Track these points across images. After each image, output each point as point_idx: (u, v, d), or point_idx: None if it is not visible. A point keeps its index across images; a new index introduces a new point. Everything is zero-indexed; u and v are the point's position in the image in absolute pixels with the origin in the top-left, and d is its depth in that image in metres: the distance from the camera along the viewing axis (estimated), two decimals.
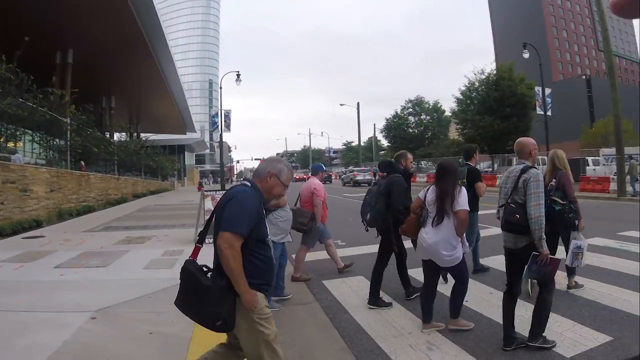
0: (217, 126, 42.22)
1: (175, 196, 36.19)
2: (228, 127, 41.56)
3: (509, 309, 4.76)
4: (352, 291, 7.10)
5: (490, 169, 47.27)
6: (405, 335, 5.17)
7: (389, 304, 6.25)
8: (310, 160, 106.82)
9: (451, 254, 5.05)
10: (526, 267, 4.44)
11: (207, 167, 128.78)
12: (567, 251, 6.20)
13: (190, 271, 3.06)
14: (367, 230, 6.58)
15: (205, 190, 12.16)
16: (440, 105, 67.91)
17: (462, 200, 5.03)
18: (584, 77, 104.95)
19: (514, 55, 58.81)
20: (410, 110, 68.57)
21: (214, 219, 3.31)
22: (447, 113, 60.78)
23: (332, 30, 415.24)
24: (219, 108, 40.87)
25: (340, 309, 6.23)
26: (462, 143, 50.66)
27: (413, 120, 68.69)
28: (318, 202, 7.58)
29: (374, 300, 6.23)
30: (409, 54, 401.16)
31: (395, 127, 67.36)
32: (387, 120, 69.35)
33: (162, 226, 14.86)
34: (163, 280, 7.00)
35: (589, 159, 36.78)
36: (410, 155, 7.14)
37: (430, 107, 68.14)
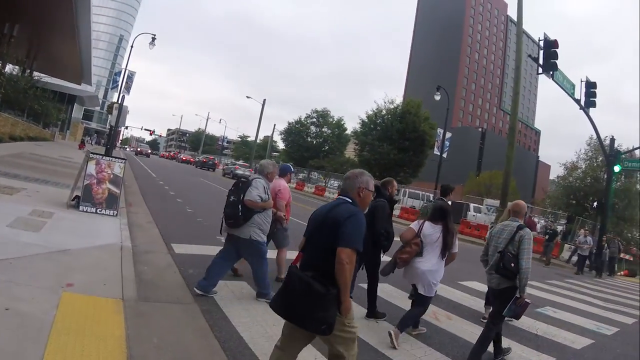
0: (117, 85, 39.39)
1: (55, 149, 33.61)
2: (128, 89, 38.65)
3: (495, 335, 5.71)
4: (234, 297, 6.41)
5: None
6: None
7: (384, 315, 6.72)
8: (202, 144, 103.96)
9: (437, 282, 6.03)
10: (508, 305, 5.36)
11: (94, 125, 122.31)
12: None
13: (302, 278, 3.26)
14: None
15: (91, 153, 10.64)
16: (344, 123, 68.35)
17: (456, 242, 6.14)
18: (480, 129, 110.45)
19: (422, 92, 60.49)
20: (314, 120, 68.30)
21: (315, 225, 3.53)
22: (348, 132, 61.14)
23: (258, 19, 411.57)
24: (123, 67, 37.86)
25: (221, 315, 5.53)
26: (356, 163, 51.20)
27: (314, 131, 68.42)
28: (281, 205, 7.39)
29: (373, 312, 6.70)
30: (326, 65, 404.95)
31: (295, 132, 66.92)
32: (289, 123, 69.07)
33: (35, 179, 13.14)
34: (27, 245, 6.18)
35: (472, 205, 37.97)
36: (395, 183, 7.36)
37: (334, 122, 68.08)
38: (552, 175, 70.51)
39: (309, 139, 67.48)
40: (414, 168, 47.90)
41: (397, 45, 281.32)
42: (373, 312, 6.75)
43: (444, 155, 37.53)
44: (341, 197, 3.62)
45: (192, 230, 10.93)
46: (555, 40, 20.88)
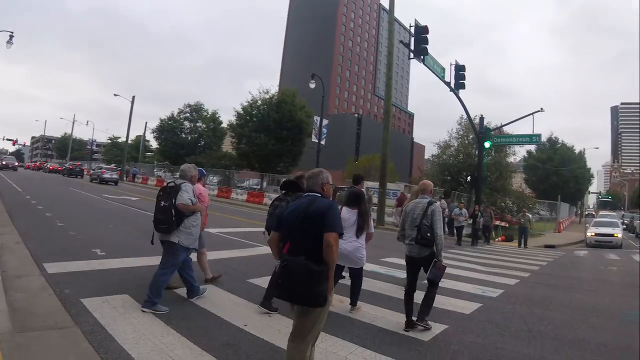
0: None
1: None
2: None
3: (409, 303, 6.59)
4: (117, 313, 5.94)
5: (259, 187, 47.63)
6: None
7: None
8: (69, 150, 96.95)
9: (363, 255, 7.17)
10: (429, 269, 6.41)
11: None
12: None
13: (300, 262, 3.74)
14: None
15: None
16: (219, 116, 65.30)
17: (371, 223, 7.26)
18: (356, 115, 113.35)
19: (298, 80, 60.80)
20: (188, 115, 64.89)
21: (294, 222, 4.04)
22: (224, 125, 59.51)
23: (123, 12, 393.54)
24: None
25: (105, 335, 5.12)
26: (234, 157, 50.50)
27: (188, 126, 65.02)
28: (201, 208, 7.23)
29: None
30: (196, 58, 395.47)
31: (169, 129, 62.89)
32: (161, 120, 64.42)
33: None
34: None
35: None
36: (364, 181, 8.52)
37: (209, 115, 65.25)
38: (427, 155, 74.08)
39: (183, 135, 63.88)
40: (293, 157, 47.90)
41: (271, 35, 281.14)
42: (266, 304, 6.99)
43: (322, 143, 38.01)
44: (310, 193, 4.23)
45: (64, 245, 10.33)
46: (426, 26, 21.75)
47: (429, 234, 6.37)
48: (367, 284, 8.67)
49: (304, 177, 6.72)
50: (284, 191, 7.02)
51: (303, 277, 3.73)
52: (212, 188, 42.37)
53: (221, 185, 45.32)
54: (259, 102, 47.21)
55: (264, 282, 8.02)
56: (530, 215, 28.16)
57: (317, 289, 3.76)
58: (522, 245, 22.81)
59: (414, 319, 6.43)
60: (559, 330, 7.09)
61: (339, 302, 7.36)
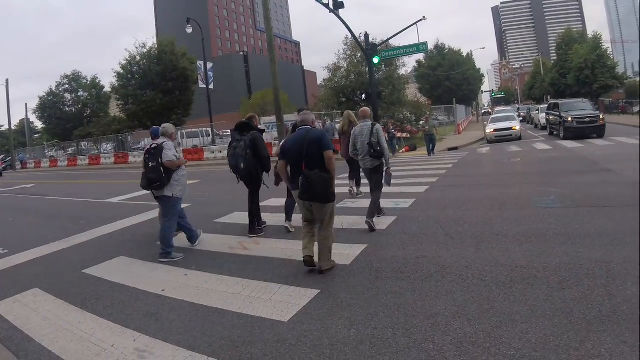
0: None
1: None
2: None
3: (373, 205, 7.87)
4: (30, 310, 5.42)
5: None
6: (108, 350, 4.15)
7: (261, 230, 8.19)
8: None
9: None
10: (384, 176, 8.03)
11: None
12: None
13: (316, 173, 5.41)
14: (238, 182, 8.26)
15: None
16: (99, 81, 59.71)
17: None
18: (241, 53, 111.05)
19: (175, 30, 58.10)
20: (67, 86, 59.30)
21: (300, 149, 5.63)
22: (107, 89, 55.91)
23: None
24: None
25: (22, 336, 4.66)
26: (124, 120, 48.12)
27: (70, 98, 59.50)
28: (184, 161, 8.12)
29: (258, 229, 8.18)
30: (65, 27, 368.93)
31: (50, 105, 57.92)
32: (40, 99, 59.01)
33: None
34: None
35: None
36: (257, 116, 8.98)
37: (89, 82, 60.05)
38: (319, 81, 73.77)
39: (67, 109, 58.85)
40: (184, 107, 46.46)
41: None
42: (254, 229, 8.09)
43: (211, 87, 37.11)
44: (304, 127, 5.88)
45: None
46: None
47: (378, 148, 7.87)
48: (278, 219, 8.82)
49: (255, 118, 8.61)
50: (237, 131, 8.12)
51: (320, 183, 5.43)
52: (107, 156, 40.52)
53: (117, 152, 42.85)
54: (138, 57, 44.77)
55: (175, 241, 7.57)
56: (436, 122, 28.63)
57: (330, 189, 5.55)
58: (432, 152, 22.89)
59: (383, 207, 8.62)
60: (476, 227, 7.09)
61: (254, 244, 7.38)
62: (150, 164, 7.00)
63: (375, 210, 7.93)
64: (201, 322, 4.54)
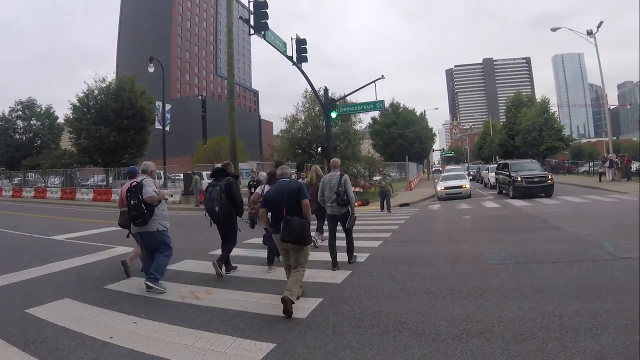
0: None
1: None
2: None
3: (333, 248, 8.90)
4: None
5: (105, 183, 44.21)
6: None
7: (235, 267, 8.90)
8: None
9: None
10: (347, 221, 9.00)
11: None
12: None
13: (296, 219, 6.26)
14: (211, 225, 8.63)
15: None
16: (54, 111, 57.38)
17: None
18: (200, 97, 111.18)
19: (136, 66, 57.82)
20: (20, 113, 56.09)
21: (281, 198, 6.52)
22: (61, 120, 54.25)
23: None
24: None
25: None
26: (75, 154, 46.83)
27: (22, 125, 56.20)
28: (164, 195, 8.26)
29: (229, 267, 8.78)
30: (25, 50, 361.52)
31: (1, 131, 54.70)
32: None
33: None
34: None
35: (204, 172, 38.15)
36: (231, 163, 9.81)
37: (43, 112, 58.49)
38: (276, 131, 74.25)
39: (17, 136, 55.66)
40: (138, 147, 44.88)
41: (104, 19, 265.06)
42: (228, 266, 8.70)
43: (167, 129, 36.75)
44: (284, 179, 6.88)
45: None
46: (265, 1, 21.09)
47: (345, 197, 8.90)
48: (234, 271, 8.81)
49: (230, 165, 9.33)
50: (213, 177, 8.78)
51: (300, 227, 6.25)
52: (54, 190, 39.25)
53: (64, 186, 41.29)
54: (96, 91, 43.44)
55: (123, 286, 7.70)
56: (390, 178, 28.93)
57: (307, 232, 6.43)
58: (386, 209, 22.00)
59: (339, 261, 8.91)
60: (430, 283, 7.18)
61: (207, 294, 7.17)
62: (132, 202, 7.29)
63: (352, 250, 9.22)
64: None
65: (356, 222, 9.70)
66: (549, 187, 24.26)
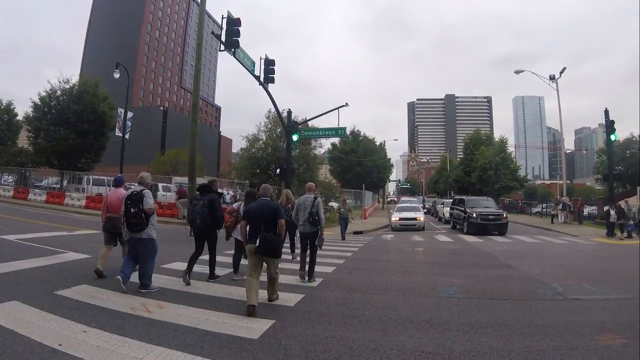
0: None
1: None
2: None
3: (304, 260, 10.20)
4: None
5: (59, 186, 43.02)
6: None
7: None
8: None
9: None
10: (317, 240, 9.96)
11: None
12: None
13: (271, 235, 7.26)
14: (191, 235, 10.21)
15: None
16: (14, 107, 55.88)
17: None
18: (162, 108, 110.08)
19: (101, 71, 56.83)
20: None
21: (261, 215, 7.53)
22: (20, 118, 52.64)
23: None
24: None
25: None
26: (31, 154, 45.58)
27: None
28: (155, 207, 9.26)
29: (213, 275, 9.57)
30: None
31: None
32: None
33: None
34: None
35: (160, 184, 37.63)
36: (217, 181, 11.35)
37: (2, 107, 56.53)
38: (235, 149, 73.90)
39: None
40: (95, 152, 43.93)
41: (73, 19, 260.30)
42: (213, 276, 9.54)
43: (127, 137, 36.28)
44: (264, 197, 7.89)
45: None
46: (239, 19, 21.03)
47: (316, 217, 9.91)
48: (187, 286, 8.81)
49: (215, 182, 10.29)
50: (198, 192, 9.75)
51: (274, 243, 7.29)
52: (7, 189, 38.06)
53: (17, 186, 40.22)
54: (59, 92, 42.29)
55: (74, 293, 7.54)
56: (350, 204, 29.04)
57: (279, 248, 7.47)
58: (342, 236, 21.62)
59: (306, 278, 9.93)
60: (382, 312, 7.25)
61: (158, 308, 7.03)
62: (132, 210, 8.01)
63: (313, 268, 10.12)
64: None
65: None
66: (503, 225, 24.80)
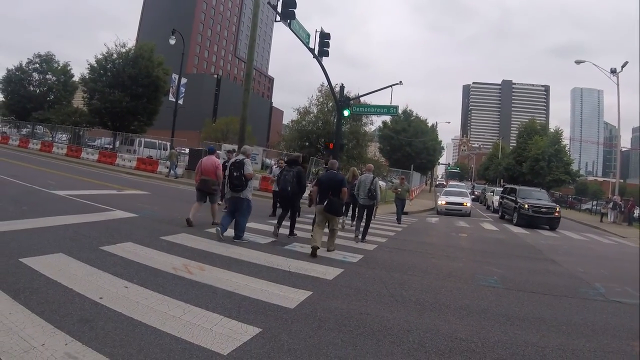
0: None
1: None
2: None
3: (358, 226, 12.60)
4: None
5: (111, 146, 44.18)
6: (37, 349, 3.86)
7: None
8: None
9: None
10: (373, 211, 13.72)
11: None
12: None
13: (335, 199, 9.98)
14: (288, 196, 11.70)
15: None
16: (70, 68, 58.18)
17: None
18: (215, 76, 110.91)
19: (156, 37, 57.60)
20: (37, 66, 56.73)
21: (329, 184, 10.22)
22: (76, 79, 53.94)
23: None
24: None
25: None
26: (85, 114, 46.75)
27: (37, 78, 56.92)
28: (220, 174, 11.75)
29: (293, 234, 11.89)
30: (47, 3, 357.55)
31: (16, 81, 55.16)
32: (8, 71, 56.23)
33: None
34: None
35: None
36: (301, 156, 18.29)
37: (60, 67, 57.50)
38: (285, 120, 74.17)
39: (32, 88, 56.38)
40: (148, 116, 45.30)
41: None
42: (292, 233, 11.80)
43: (180, 102, 36.77)
44: (332, 170, 10.53)
45: None
46: None
47: (374, 193, 12.59)
48: (228, 250, 8.92)
49: (300, 157, 15.77)
50: (287, 164, 12.24)
51: (338, 205, 9.92)
52: (61, 146, 39.16)
53: (71, 144, 41.18)
54: (115, 55, 43.44)
55: (119, 250, 7.72)
56: (408, 185, 28.71)
57: (341, 209, 10.46)
58: (398, 218, 20.22)
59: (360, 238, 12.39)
60: (420, 294, 7.17)
61: (199, 270, 7.16)
62: (235, 174, 9.96)
63: (366, 232, 12.60)
64: (138, 339, 4.33)
65: (351, 223, 15.01)
66: (555, 219, 23.67)
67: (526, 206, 23.74)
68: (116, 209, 12.10)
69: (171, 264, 7.24)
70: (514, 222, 24.54)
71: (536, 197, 25.59)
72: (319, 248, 9.38)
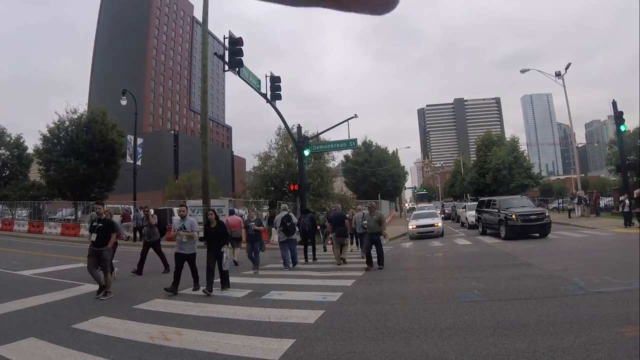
0: None
1: None
2: None
3: (369, 256, 14.38)
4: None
5: (73, 217, 42.83)
6: None
7: None
8: None
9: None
10: (381, 240, 15.07)
11: None
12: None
13: (342, 228, 16.42)
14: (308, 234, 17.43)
15: None
16: (23, 141, 55.68)
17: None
18: (172, 132, 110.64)
19: (108, 99, 57.25)
20: None
21: (337, 218, 16.71)
22: (30, 151, 52.73)
23: None
24: None
25: None
26: (44, 187, 45.79)
27: None
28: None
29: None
30: None
31: None
32: None
33: None
34: None
35: (175, 209, 37.73)
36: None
37: (12, 141, 56.70)
38: (248, 167, 74.08)
39: None
40: (107, 181, 44.17)
41: (79, 49, 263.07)
42: (314, 258, 17.66)
43: (139, 163, 36.41)
44: (337, 210, 18.17)
45: None
46: (240, 38, 21.05)
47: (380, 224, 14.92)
48: (205, 310, 8.75)
49: (309, 208, 23.17)
50: (302, 213, 18.65)
51: (345, 231, 16.39)
52: (22, 223, 38.18)
53: (32, 220, 39.91)
54: (67, 122, 42.51)
55: (91, 326, 7.49)
56: (381, 212, 28.41)
57: (346, 234, 16.81)
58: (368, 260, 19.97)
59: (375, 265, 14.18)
60: (404, 322, 7.15)
61: (177, 335, 7.01)
62: (288, 223, 15.30)
63: (383, 256, 14.64)
64: None
65: (330, 260, 15.64)
66: (546, 225, 21.91)
67: (514, 217, 21.77)
68: (85, 282, 11.70)
69: (147, 333, 7.00)
70: (503, 236, 22.37)
71: (519, 205, 23.91)
72: (343, 259, 15.63)
